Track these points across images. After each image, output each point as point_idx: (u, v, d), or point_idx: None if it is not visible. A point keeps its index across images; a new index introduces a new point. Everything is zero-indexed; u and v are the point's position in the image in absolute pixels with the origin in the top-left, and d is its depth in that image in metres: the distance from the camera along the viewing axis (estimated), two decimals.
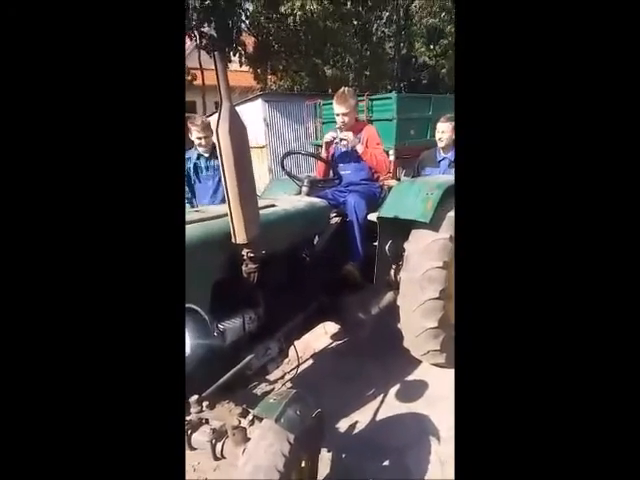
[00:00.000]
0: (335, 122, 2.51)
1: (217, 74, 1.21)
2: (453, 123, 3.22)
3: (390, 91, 10.77)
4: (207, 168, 2.89)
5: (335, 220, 2.28)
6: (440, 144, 3.31)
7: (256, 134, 9.91)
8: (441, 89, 12.78)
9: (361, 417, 2.00)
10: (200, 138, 2.78)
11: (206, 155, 2.87)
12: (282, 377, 2.08)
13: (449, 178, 2.34)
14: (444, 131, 3.24)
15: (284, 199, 2.09)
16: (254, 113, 9.80)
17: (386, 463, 1.72)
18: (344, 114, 2.40)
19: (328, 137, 2.49)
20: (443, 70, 12.90)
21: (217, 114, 1.23)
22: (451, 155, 3.31)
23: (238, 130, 1.23)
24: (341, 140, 2.41)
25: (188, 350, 1.08)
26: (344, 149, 2.48)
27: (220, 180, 2.29)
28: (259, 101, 9.81)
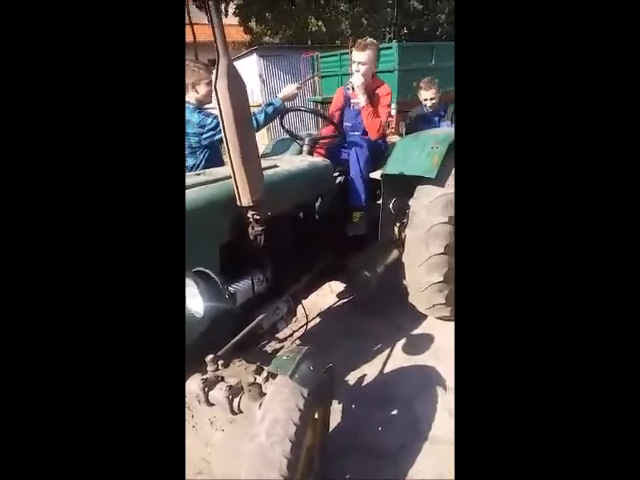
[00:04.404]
0: (334, 75, 2.42)
1: (213, 27, 1.13)
2: (436, 86, 3.21)
3: (390, 41, 10.25)
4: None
5: (339, 179, 2.24)
6: (428, 110, 3.32)
7: (252, 92, 9.58)
8: (444, 36, 12.14)
9: (369, 370, 2.07)
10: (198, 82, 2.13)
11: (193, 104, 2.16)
12: (291, 335, 2.13)
13: (453, 131, 2.28)
14: (432, 98, 3.24)
15: (286, 159, 2.04)
16: (249, 70, 9.42)
17: (394, 412, 1.80)
18: (361, 63, 2.31)
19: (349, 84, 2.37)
20: (442, 15, 12.17)
21: (214, 71, 1.17)
22: (440, 109, 3.31)
23: (237, 87, 1.18)
24: (349, 83, 2.33)
25: (201, 312, 1.10)
26: (353, 101, 2.40)
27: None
28: (254, 56, 9.40)
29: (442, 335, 2.27)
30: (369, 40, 2.36)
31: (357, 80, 2.27)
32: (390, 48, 6.47)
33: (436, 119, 3.38)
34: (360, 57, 2.31)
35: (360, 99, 2.30)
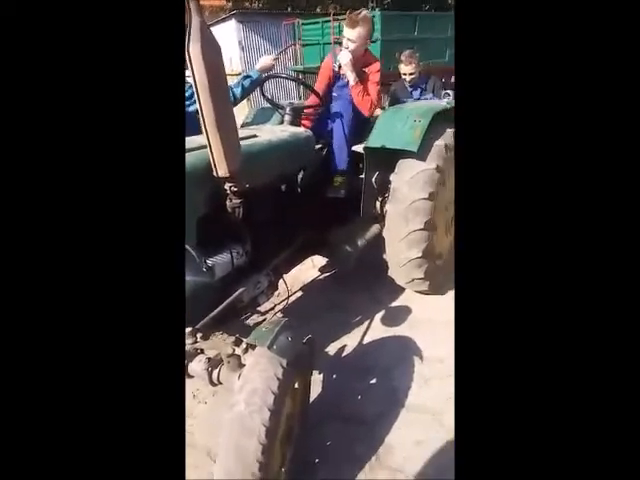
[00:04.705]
0: (316, 44, 2.35)
1: None
2: (416, 60, 3.19)
3: (373, 9, 9.96)
4: None
5: (321, 151, 2.21)
6: (408, 83, 3.30)
7: (231, 59, 9.25)
8: (427, 6, 11.88)
9: (349, 341, 2.11)
10: None
11: None
12: (272, 309, 2.14)
13: (436, 104, 2.26)
14: (411, 72, 3.22)
15: (266, 129, 1.99)
16: (228, 36, 9.06)
17: (373, 382, 1.85)
18: (350, 40, 2.17)
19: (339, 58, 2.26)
20: None
21: (186, 33, 1.11)
22: (421, 82, 3.31)
23: (212, 50, 1.11)
24: (336, 63, 2.25)
25: None
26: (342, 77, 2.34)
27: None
28: (232, 22, 9.03)
29: (419, 307, 2.32)
30: (362, 14, 2.17)
31: (343, 58, 2.17)
32: (373, 17, 6.29)
33: (416, 92, 3.35)
34: (350, 34, 2.17)
35: (349, 77, 2.22)
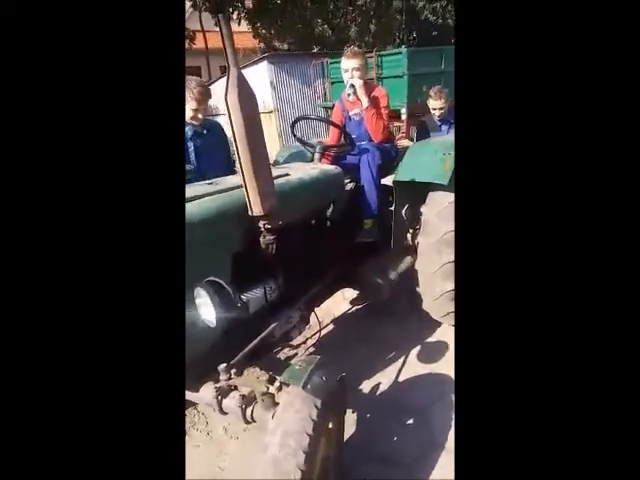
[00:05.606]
0: (344, 81, 2.44)
1: (222, 38, 1.15)
2: (446, 96, 3.21)
3: (399, 46, 10.27)
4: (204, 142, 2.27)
5: (349, 186, 2.24)
6: (437, 118, 3.32)
7: (263, 99, 9.70)
8: (453, 39, 12.13)
9: (384, 379, 2.05)
10: (196, 110, 2.16)
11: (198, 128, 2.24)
12: (304, 342, 2.12)
13: None
14: (440, 107, 3.24)
15: (298, 168, 2.05)
16: (260, 76, 9.53)
17: (410, 422, 1.77)
18: (355, 69, 2.33)
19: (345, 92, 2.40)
20: (452, 20, 12.17)
21: (225, 82, 1.19)
22: (450, 117, 3.30)
23: (247, 97, 1.19)
24: (351, 87, 2.33)
25: (214, 321, 1.10)
26: (352, 113, 2.40)
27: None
28: (264, 63, 9.53)
29: None
30: (356, 49, 2.49)
31: (357, 81, 2.31)
32: (400, 53, 6.48)
33: (445, 127, 3.36)
34: (353, 64, 2.34)
35: (362, 100, 2.32)
